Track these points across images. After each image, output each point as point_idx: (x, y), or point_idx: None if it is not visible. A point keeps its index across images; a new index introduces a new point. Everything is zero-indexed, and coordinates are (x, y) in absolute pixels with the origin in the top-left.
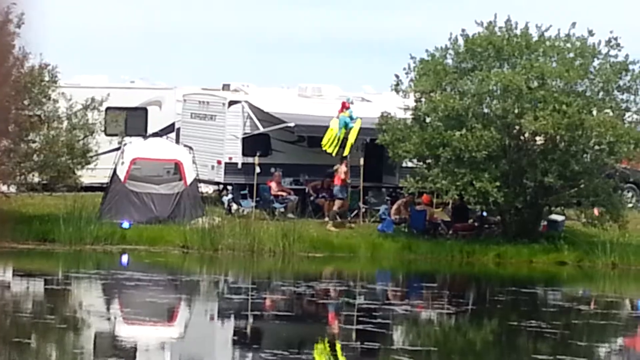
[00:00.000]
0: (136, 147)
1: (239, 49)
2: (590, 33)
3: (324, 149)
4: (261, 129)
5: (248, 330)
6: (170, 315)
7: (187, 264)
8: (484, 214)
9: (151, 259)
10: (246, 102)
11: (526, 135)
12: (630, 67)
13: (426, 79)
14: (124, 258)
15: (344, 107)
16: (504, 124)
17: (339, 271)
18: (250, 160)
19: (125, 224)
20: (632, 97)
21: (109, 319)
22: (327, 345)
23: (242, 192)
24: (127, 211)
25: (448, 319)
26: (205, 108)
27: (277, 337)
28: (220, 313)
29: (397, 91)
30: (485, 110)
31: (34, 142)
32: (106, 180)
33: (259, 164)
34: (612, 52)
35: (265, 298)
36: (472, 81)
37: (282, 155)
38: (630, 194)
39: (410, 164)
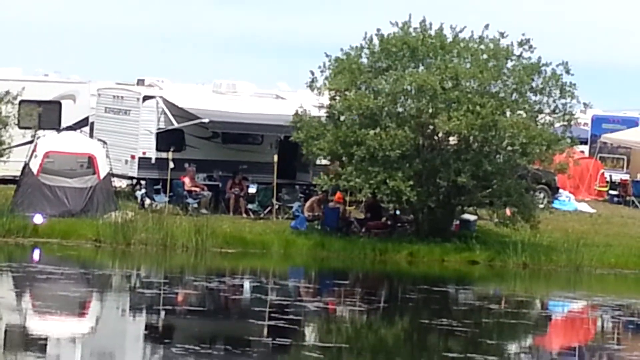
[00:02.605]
0: (49, 141)
1: (154, 45)
2: (502, 35)
3: None
4: (175, 125)
5: (159, 325)
6: (81, 309)
7: (100, 258)
8: (397, 212)
9: (63, 253)
10: (161, 97)
11: (440, 135)
12: (543, 68)
13: (341, 78)
14: (36, 252)
15: None
16: (418, 124)
17: (252, 267)
18: (164, 155)
19: (38, 219)
20: (544, 99)
21: (19, 312)
22: None
23: (156, 187)
24: (40, 204)
25: (360, 316)
26: (119, 103)
27: (189, 332)
28: (131, 307)
29: (312, 89)
30: (400, 110)
31: None
32: (19, 173)
33: (173, 159)
34: (525, 54)
35: (177, 293)
36: (387, 80)
37: (196, 151)
38: (542, 195)
39: (324, 162)
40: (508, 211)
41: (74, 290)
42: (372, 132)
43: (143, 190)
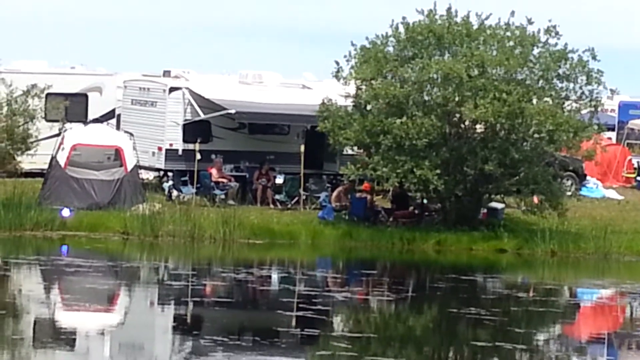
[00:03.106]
0: (76, 133)
1: (180, 36)
2: (529, 22)
3: None
4: (202, 116)
5: (188, 317)
6: (110, 302)
7: (128, 251)
8: (425, 201)
9: (91, 246)
10: (187, 88)
11: (466, 123)
12: (569, 55)
13: (367, 67)
14: (64, 245)
15: None
16: (445, 112)
17: (280, 258)
18: (190, 146)
19: (66, 212)
20: (571, 86)
21: (48, 305)
22: None
23: (183, 179)
24: (67, 197)
25: (388, 306)
26: (145, 94)
27: (217, 324)
28: (160, 299)
29: (337, 78)
30: (426, 98)
31: None
32: (46, 166)
33: (200, 151)
34: (552, 41)
35: (205, 285)
36: (413, 69)
37: (222, 141)
38: (569, 182)
39: (350, 152)
40: (535, 199)
41: (102, 282)
42: (398, 121)
43: (170, 182)
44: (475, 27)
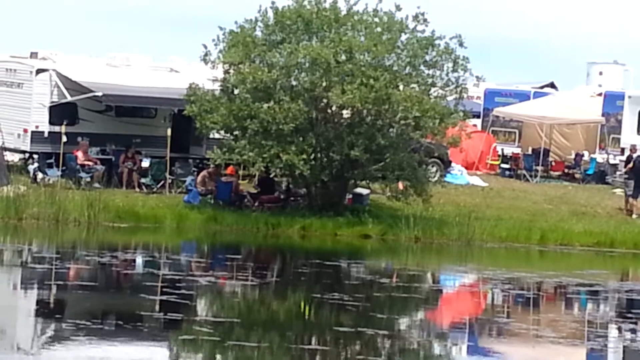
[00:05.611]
0: None
1: (48, 17)
2: (398, 8)
3: None
4: (69, 98)
5: (50, 300)
6: None
7: None
8: (290, 186)
9: None
10: (54, 70)
11: (333, 108)
12: (437, 42)
13: (235, 51)
14: None
15: None
16: (312, 97)
17: (144, 242)
18: (57, 129)
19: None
20: (437, 73)
21: None
22: None
23: (48, 161)
24: None
25: (251, 290)
26: (12, 76)
27: (80, 308)
28: (22, 282)
29: (205, 62)
30: (294, 83)
31: None
32: None
33: (66, 133)
34: (420, 27)
35: (68, 268)
36: (281, 54)
37: (89, 124)
38: (434, 169)
39: (217, 136)
40: (400, 185)
41: None
42: (265, 105)
43: (35, 164)
44: (343, 12)
